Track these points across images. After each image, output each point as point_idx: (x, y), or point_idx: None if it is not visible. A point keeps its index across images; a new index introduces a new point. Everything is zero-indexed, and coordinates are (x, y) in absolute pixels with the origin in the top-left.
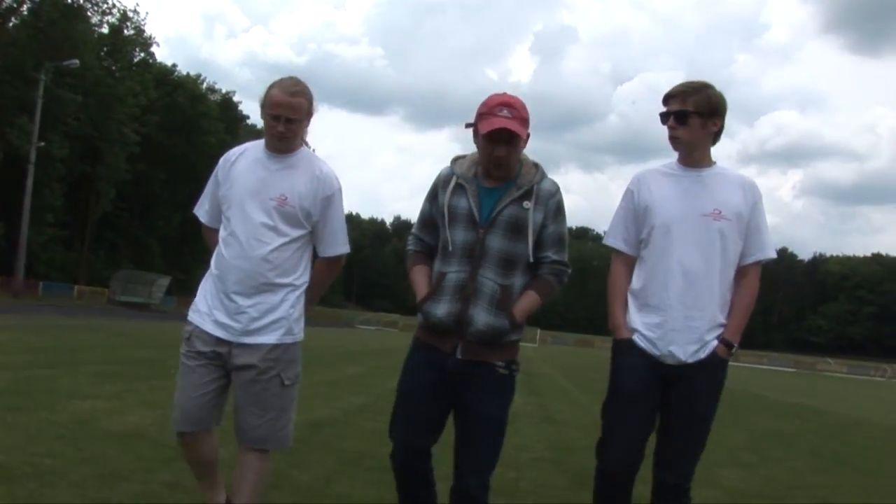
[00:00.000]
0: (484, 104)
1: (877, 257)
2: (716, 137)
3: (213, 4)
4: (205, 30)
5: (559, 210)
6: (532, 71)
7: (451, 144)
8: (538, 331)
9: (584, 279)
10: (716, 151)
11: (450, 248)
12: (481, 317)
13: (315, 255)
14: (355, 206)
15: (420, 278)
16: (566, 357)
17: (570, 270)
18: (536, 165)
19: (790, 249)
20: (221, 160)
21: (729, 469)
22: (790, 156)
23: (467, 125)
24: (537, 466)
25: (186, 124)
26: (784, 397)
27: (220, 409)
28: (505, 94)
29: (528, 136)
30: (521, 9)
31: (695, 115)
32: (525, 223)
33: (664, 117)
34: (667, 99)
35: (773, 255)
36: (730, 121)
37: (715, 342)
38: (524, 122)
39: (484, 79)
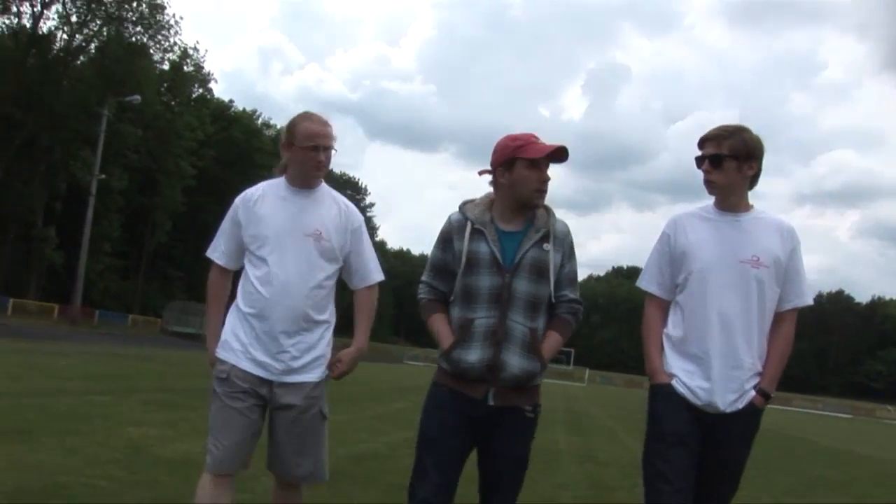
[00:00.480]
0: (512, 139)
1: None
2: (753, 181)
3: (270, 40)
4: (261, 65)
5: (572, 249)
6: (584, 109)
7: None
8: (587, 371)
9: (634, 319)
10: (769, 191)
11: (473, 294)
12: (515, 361)
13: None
14: (406, 242)
15: (442, 326)
16: (614, 397)
17: (583, 307)
18: (547, 208)
19: (847, 292)
20: (239, 201)
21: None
22: (847, 195)
23: (481, 172)
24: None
25: (241, 158)
26: (837, 444)
27: (254, 448)
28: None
29: None
30: (573, 47)
31: (730, 158)
32: (547, 265)
33: (699, 161)
34: (702, 142)
35: (811, 302)
36: (785, 160)
37: (752, 392)
38: None
39: (536, 116)
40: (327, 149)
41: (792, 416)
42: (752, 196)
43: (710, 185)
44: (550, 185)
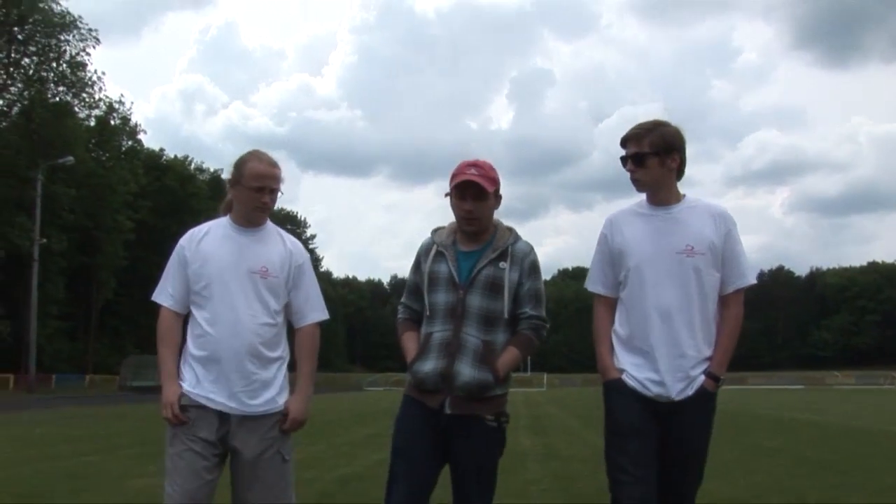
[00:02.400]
0: (456, 169)
1: (873, 266)
2: (679, 172)
3: (191, 82)
4: (184, 108)
5: (534, 268)
6: (511, 117)
7: (437, 198)
8: (545, 375)
9: (584, 319)
10: (702, 177)
11: (434, 310)
12: (466, 371)
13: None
14: (351, 270)
15: (410, 343)
16: (572, 397)
17: (548, 325)
18: (510, 229)
19: (786, 267)
20: (184, 241)
21: (713, 482)
22: (776, 173)
23: (446, 194)
24: (544, 496)
25: (178, 206)
26: (782, 413)
27: (214, 493)
28: (475, 159)
29: (498, 195)
30: (495, 57)
31: (651, 155)
32: (502, 282)
33: (624, 161)
34: (624, 142)
35: (753, 281)
36: (713, 145)
37: (702, 377)
38: (492, 180)
39: (465, 129)
40: (273, 190)
41: (745, 393)
42: (686, 184)
43: (638, 184)
44: None
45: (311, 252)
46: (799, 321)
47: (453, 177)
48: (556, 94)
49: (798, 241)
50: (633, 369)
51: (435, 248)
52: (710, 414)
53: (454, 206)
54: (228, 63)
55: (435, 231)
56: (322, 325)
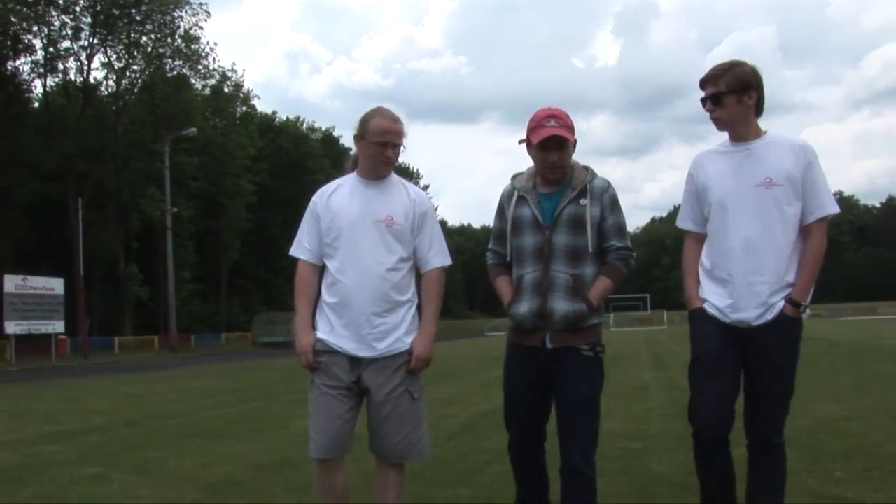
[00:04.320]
0: (532, 119)
1: None
2: (758, 109)
3: (295, 42)
4: (290, 69)
5: (614, 202)
6: (618, 53)
7: None
8: (665, 313)
9: None
10: (822, 101)
11: (522, 253)
12: (560, 305)
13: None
14: (466, 217)
15: (503, 287)
16: None
17: (635, 254)
18: (587, 168)
19: None
20: (316, 197)
21: (822, 404)
22: None
23: (520, 141)
24: (662, 420)
25: (294, 166)
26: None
27: (354, 432)
28: (549, 107)
29: (575, 141)
30: None
31: (728, 94)
32: (584, 218)
33: (703, 102)
34: (702, 85)
35: (836, 211)
36: (833, 66)
37: (781, 303)
38: (570, 129)
39: (571, 69)
40: (396, 145)
41: (873, 324)
42: (804, 108)
43: (717, 122)
44: (600, 135)
45: None
46: None
47: (532, 129)
48: (662, 25)
49: None
50: (714, 298)
51: (517, 193)
52: (794, 339)
53: (536, 158)
54: (329, 20)
55: (514, 177)
56: (446, 269)
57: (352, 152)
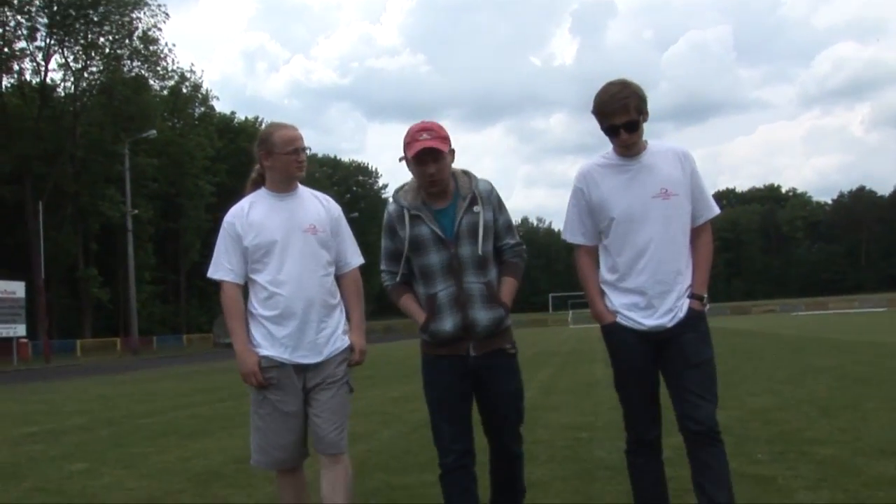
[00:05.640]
0: (407, 134)
1: None
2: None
3: (252, 41)
4: (246, 67)
5: (500, 202)
6: (575, 51)
7: (508, 138)
8: None
9: None
10: (776, 98)
11: (429, 272)
12: (482, 315)
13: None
14: None
15: (411, 305)
16: None
17: (525, 247)
18: (466, 173)
19: (868, 187)
20: (231, 218)
21: (759, 396)
22: (855, 89)
23: (400, 159)
24: (610, 413)
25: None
26: (849, 337)
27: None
28: (423, 121)
29: (452, 151)
30: None
31: (640, 117)
32: (478, 226)
33: (613, 131)
34: (608, 115)
35: (718, 211)
36: (786, 65)
37: (687, 301)
38: (444, 139)
39: (529, 67)
40: (304, 149)
41: (824, 318)
42: (758, 106)
43: (632, 147)
44: (557, 133)
45: (385, 200)
46: (884, 242)
47: (407, 144)
48: (619, 24)
49: (881, 160)
50: (625, 310)
51: (407, 212)
52: (705, 330)
53: (415, 172)
54: (286, 18)
55: (397, 193)
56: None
57: (252, 175)
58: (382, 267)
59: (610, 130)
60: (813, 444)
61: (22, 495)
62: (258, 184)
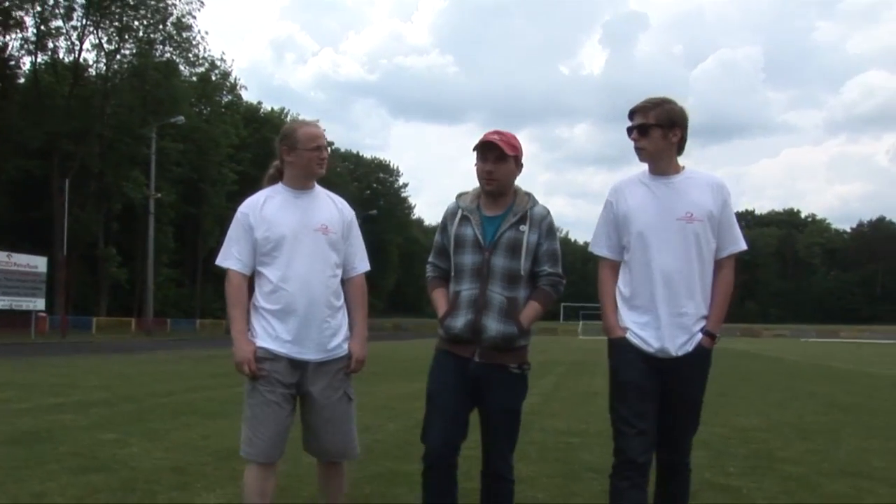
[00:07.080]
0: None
1: None
2: (680, 147)
3: (282, 31)
4: (275, 57)
5: (551, 230)
6: (604, 62)
7: (530, 144)
8: None
9: None
10: (802, 123)
11: (461, 270)
12: (493, 325)
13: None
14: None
15: (439, 299)
16: None
17: (564, 280)
18: (529, 194)
19: (888, 217)
20: (245, 209)
21: (745, 417)
22: (882, 119)
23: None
24: (604, 422)
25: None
26: (849, 366)
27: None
28: (500, 129)
29: (520, 163)
30: (587, 1)
31: (655, 127)
32: (521, 243)
33: (629, 131)
34: (631, 114)
35: (745, 247)
36: (815, 90)
37: (699, 335)
38: (512, 146)
39: (557, 75)
40: (326, 147)
41: (831, 346)
42: (784, 130)
43: (640, 152)
44: (581, 143)
45: (404, 200)
46: None
47: (478, 142)
48: (649, 38)
49: None
50: (636, 327)
51: (460, 212)
52: (707, 368)
53: (476, 170)
54: (318, 11)
55: (459, 196)
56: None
57: (270, 171)
58: (430, 259)
59: (627, 131)
60: (784, 462)
61: (60, 457)
62: (275, 179)
